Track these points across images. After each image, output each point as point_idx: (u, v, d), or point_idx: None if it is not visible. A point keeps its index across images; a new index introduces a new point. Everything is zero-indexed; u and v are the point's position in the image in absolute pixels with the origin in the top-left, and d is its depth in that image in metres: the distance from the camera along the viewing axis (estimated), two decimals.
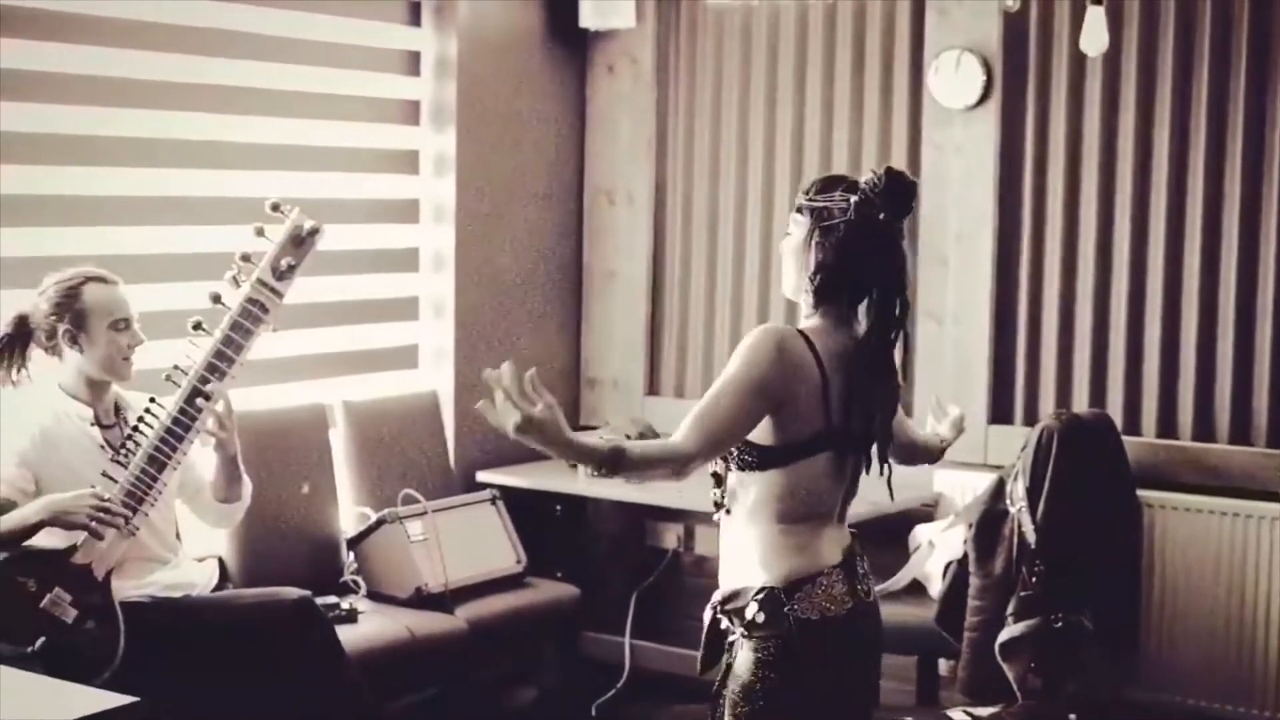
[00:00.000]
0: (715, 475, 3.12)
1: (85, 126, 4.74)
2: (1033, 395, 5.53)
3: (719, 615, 3.10)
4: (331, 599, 4.77)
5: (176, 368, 4.01)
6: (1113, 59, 5.24)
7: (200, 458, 4.29)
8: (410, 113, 5.82)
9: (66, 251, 4.48)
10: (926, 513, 5.50)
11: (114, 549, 3.90)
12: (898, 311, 3.07)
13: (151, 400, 3.99)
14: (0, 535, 3.80)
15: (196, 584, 4.25)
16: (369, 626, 4.75)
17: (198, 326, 4.02)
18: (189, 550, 4.40)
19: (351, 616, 4.75)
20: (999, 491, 4.94)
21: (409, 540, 5.03)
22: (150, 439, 3.95)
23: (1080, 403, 5.38)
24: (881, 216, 3.02)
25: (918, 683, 5.45)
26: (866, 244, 3.03)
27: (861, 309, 3.08)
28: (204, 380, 3.98)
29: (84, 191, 4.75)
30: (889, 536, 5.37)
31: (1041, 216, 5.48)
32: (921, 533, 5.31)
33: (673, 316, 6.21)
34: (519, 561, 5.28)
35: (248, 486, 4.33)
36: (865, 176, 3.06)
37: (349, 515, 5.27)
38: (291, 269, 4.07)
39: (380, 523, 5.07)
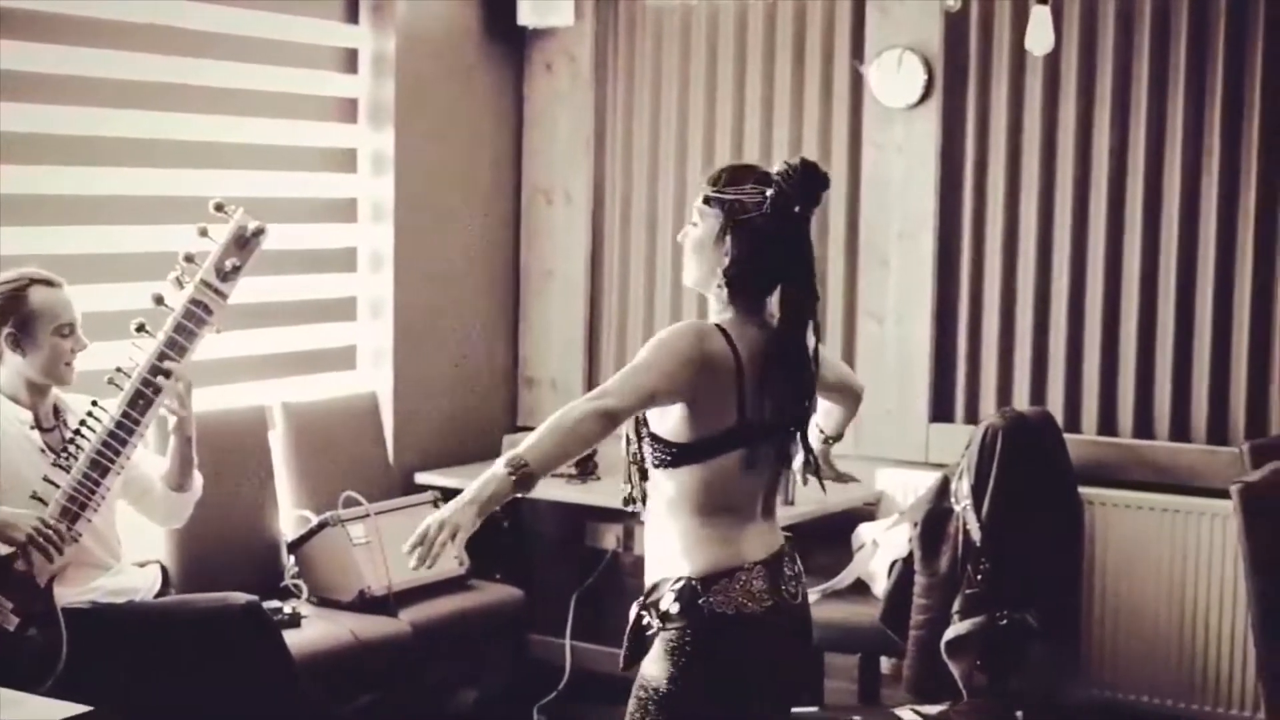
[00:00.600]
0: (626, 500, 3.09)
1: (20, 124, 4.65)
2: (974, 394, 5.55)
3: (642, 611, 3.04)
4: (274, 603, 4.71)
5: (119, 370, 3.94)
6: (1053, 58, 5.27)
7: (142, 458, 4.21)
8: (348, 110, 5.76)
9: (5, 251, 4.40)
10: (868, 511, 5.51)
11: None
12: (810, 301, 3.03)
13: (94, 404, 3.92)
14: None
15: (139, 589, 4.18)
16: (313, 631, 4.70)
17: (141, 328, 3.95)
18: (128, 556, 4.33)
19: (295, 621, 4.69)
20: (944, 490, 4.95)
21: (351, 543, 4.98)
22: (93, 443, 3.88)
23: (1021, 401, 5.41)
24: (796, 209, 2.99)
25: (859, 681, 5.46)
26: (781, 236, 2.99)
27: (770, 300, 3.05)
28: (147, 383, 3.91)
29: (21, 190, 4.66)
30: (832, 535, 5.39)
31: (982, 216, 5.51)
32: (865, 532, 5.32)
33: (611, 316, 6.19)
34: (462, 564, 5.23)
35: (198, 479, 4.27)
36: (776, 167, 3.02)
37: (288, 518, 5.21)
38: (236, 270, 4.01)
39: (322, 525, 5.01)
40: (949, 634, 4.79)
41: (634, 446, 3.04)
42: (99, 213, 4.89)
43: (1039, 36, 4.75)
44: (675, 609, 2.94)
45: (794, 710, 4.79)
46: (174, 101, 5.11)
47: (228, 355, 5.15)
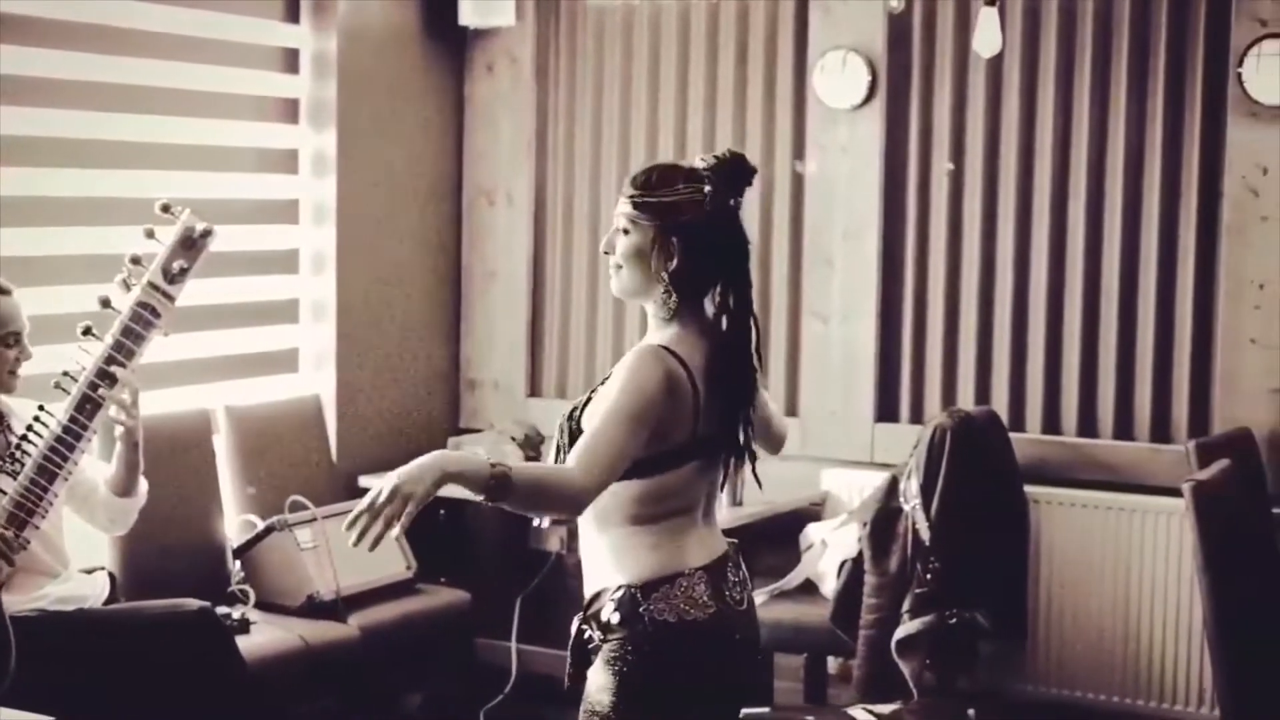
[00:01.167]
0: None
1: None
2: (919, 394, 5.57)
3: (583, 625, 2.95)
4: (221, 609, 4.65)
5: (66, 374, 3.87)
6: (996, 59, 5.29)
7: (86, 463, 4.14)
8: (289, 111, 5.71)
9: None
10: (815, 512, 5.52)
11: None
12: (749, 304, 2.96)
13: (40, 409, 3.85)
14: None
15: (89, 597, 4.12)
16: (262, 636, 4.64)
17: (87, 331, 3.89)
18: (74, 563, 4.26)
19: (243, 627, 4.64)
20: (893, 490, 4.96)
21: (299, 548, 4.93)
22: (40, 449, 3.81)
23: (966, 400, 5.44)
24: (732, 203, 2.93)
25: (805, 681, 5.47)
26: (723, 233, 2.93)
27: (706, 302, 2.97)
28: (94, 387, 3.85)
29: None
30: (780, 536, 5.40)
31: (926, 216, 5.54)
32: (813, 532, 5.32)
33: (554, 317, 6.16)
34: (409, 567, 5.20)
35: (143, 484, 4.20)
36: (703, 163, 2.94)
37: (233, 523, 5.15)
38: (184, 272, 3.95)
39: (269, 530, 4.96)
40: (899, 633, 4.81)
41: (565, 454, 2.93)
42: (37, 214, 4.81)
43: (987, 38, 4.77)
44: (616, 619, 2.86)
45: (744, 712, 4.82)
46: (113, 101, 5.04)
47: (169, 358, 5.08)
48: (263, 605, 4.91)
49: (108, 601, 4.18)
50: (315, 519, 5.02)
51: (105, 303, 3.89)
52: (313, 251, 5.76)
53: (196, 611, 4.06)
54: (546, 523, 2.96)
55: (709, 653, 2.90)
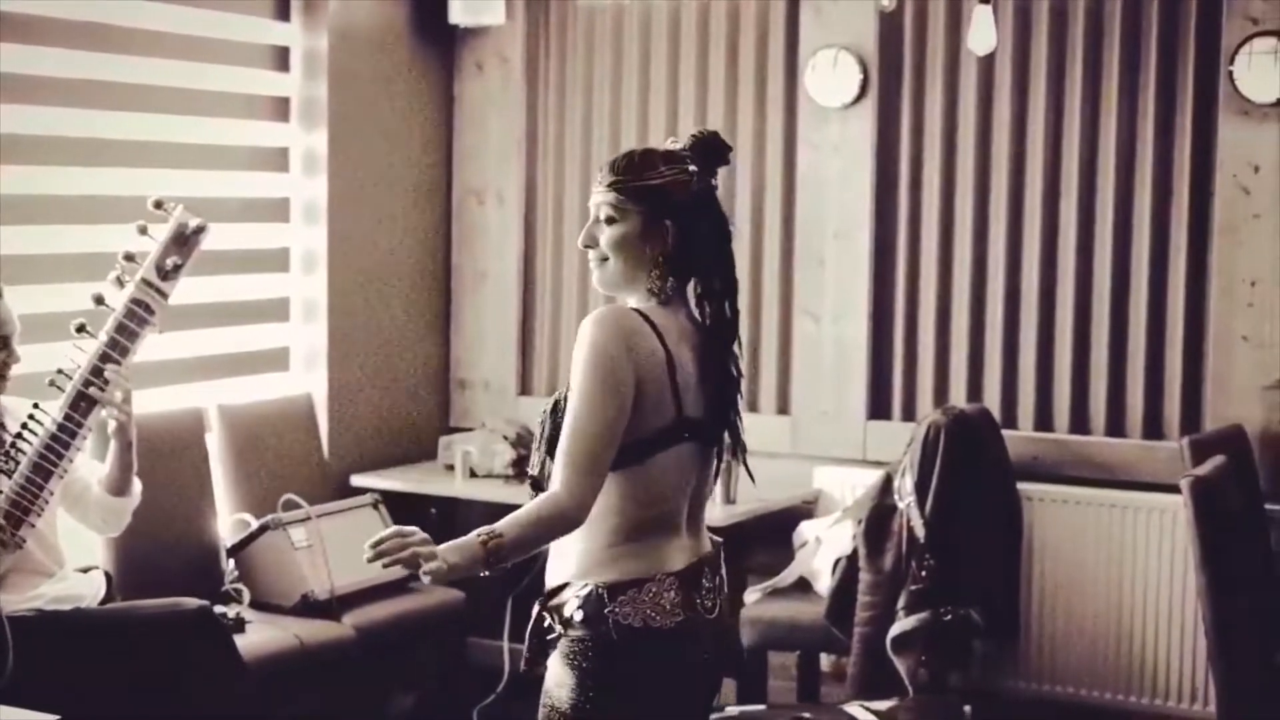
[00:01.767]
0: (533, 482, 2.91)
1: None
2: (911, 391, 5.58)
3: (543, 611, 2.90)
4: (216, 608, 4.63)
5: (60, 372, 3.85)
6: (987, 57, 5.30)
7: (80, 462, 4.12)
8: (280, 109, 5.69)
9: None
10: (807, 510, 5.52)
11: None
12: (734, 291, 2.94)
13: (35, 406, 3.83)
14: None
15: (85, 596, 4.10)
16: (257, 635, 4.63)
17: (81, 329, 3.87)
18: (68, 562, 4.24)
19: (238, 626, 4.62)
20: (887, 487, 4.97)
21: (293, 547, 4.92)
22: (35, 447, 3.79)
23: (958, 398, 5.44)
24: (714, 182, 2.92)
25: (798, 679, 5.47)
26: (709, 214, 2.91)
27: (688, 288, 2.94)
28: (89, 384, 3.83)
29: None
30: (774, 534, 5.40)
31: (918, 214, 5.54)
32: (807, 529, 5.33)
33: (544, 317, 6.16)
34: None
35: (137, 484, 4.18)
36: (680, 143, 2.92)
37: (225, 522, 5.13)
38: (177, 268, 3.94)
39: (263, 529, 4.95)
40: (894, 630, 4.82)
41: (543, 451, 2.90)
42: (29, 212, 4.79)
43: (981, 36, 4.78)
44: (579, 616, 2.81)
45: (740, 709, 4.83)
46: (104, 99, 5.03)
47: (162, 357, 5.07)
48: (257, 604, 4.90)
49: (104, 601, 4.16)
50: (309, 518, 5.01)
51: (99, 300, 3.88)
52: (304, 250, 5.74)
53: (195, 611, 4.04)
54: None
55: (670, 660, 2.85)
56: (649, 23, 5.89)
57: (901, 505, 4.90)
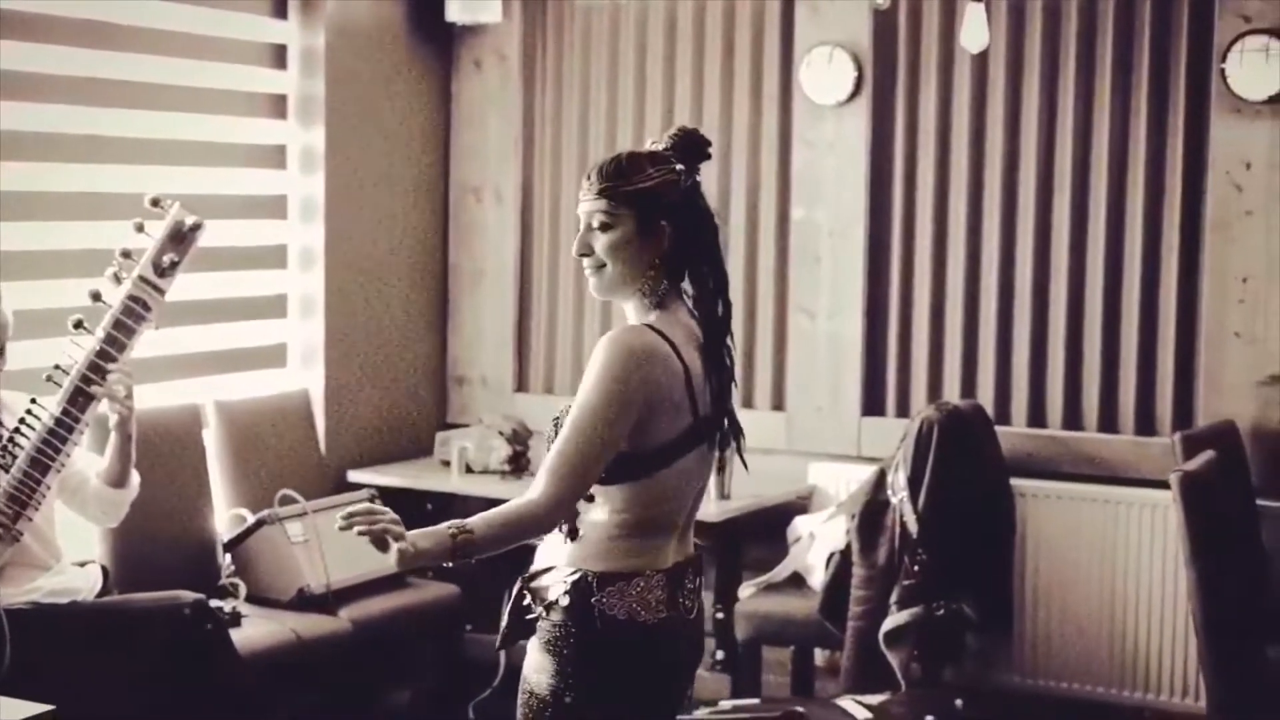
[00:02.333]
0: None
1: None
2: (905, 388, 5.60)
3: (524, 590, 2.90)
4: (213, 602, 4.65)
5: (58, 367, 3.88)
6: (981, 55, 5.33)
7: (77, 455, 4.15)
8: (277, 106, 5.72)
9: None
10: (802, 505, 5.55)
11: None
12: (725, 284, 2.96)
13: (33, 401, 3.86)
14: None
15: (81, 590, 4.13)
16: (254, 630, 4.66)
17: (79, 325, 3.90)
18: (65, 556, 4.27)
19: (235, 620, 4.65)
20: (880, 482, 5.00)
21: (290, 541, 4.95)
22: (32, 441, 3.82)
23: (952, 394, 5.47)
24: (698, 178, 2.94)
25: (793, 674, 5.50)
26: (697, 211, 2.92)
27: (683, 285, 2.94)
28: (86, 380, 3.86)
29: None
30: (767, 530, 5.43)
31: (912, 212, 5.56)
32: (801, 525, 5.35)
33: (541, 314, 6.18)
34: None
35: (135, 477, 4.21)
36: (658, 145, 2.94)
37: (222, 517, 5.16)
38: (174, 265, 3.97)
39: (260, 524, 4.97)
40: (887, 625, 4.84)
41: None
42: (27, 209, 4.82)
43: (974, 33, 4.79)
44: (565, 601, 2.82)
45: (733, 703, 4.86)
46: (102, 96, 5.05)
47: (159, 353, 5.10)
48: (253, 599, 4.92)
49: (100, 594, 4.19)
50: (305, 513, 5.04)
51: (96, 296, 3.91)
52: (301, 247, 5.77)
53: (191, 604, 4.07)
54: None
55: (649, 656, 2.87)
56: (645, 20, 5.92)
57: (894, 500, 4.92)
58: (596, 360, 2.81)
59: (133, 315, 3.91)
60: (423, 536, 2.76)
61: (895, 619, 4.83)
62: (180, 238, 3.98)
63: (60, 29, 4.91)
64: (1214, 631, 4.09)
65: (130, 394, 3.95)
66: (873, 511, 4.96)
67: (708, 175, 5.71)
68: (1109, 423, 5.33)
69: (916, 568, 4.83)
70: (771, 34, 5.72)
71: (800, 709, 4.55)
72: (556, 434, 2.85)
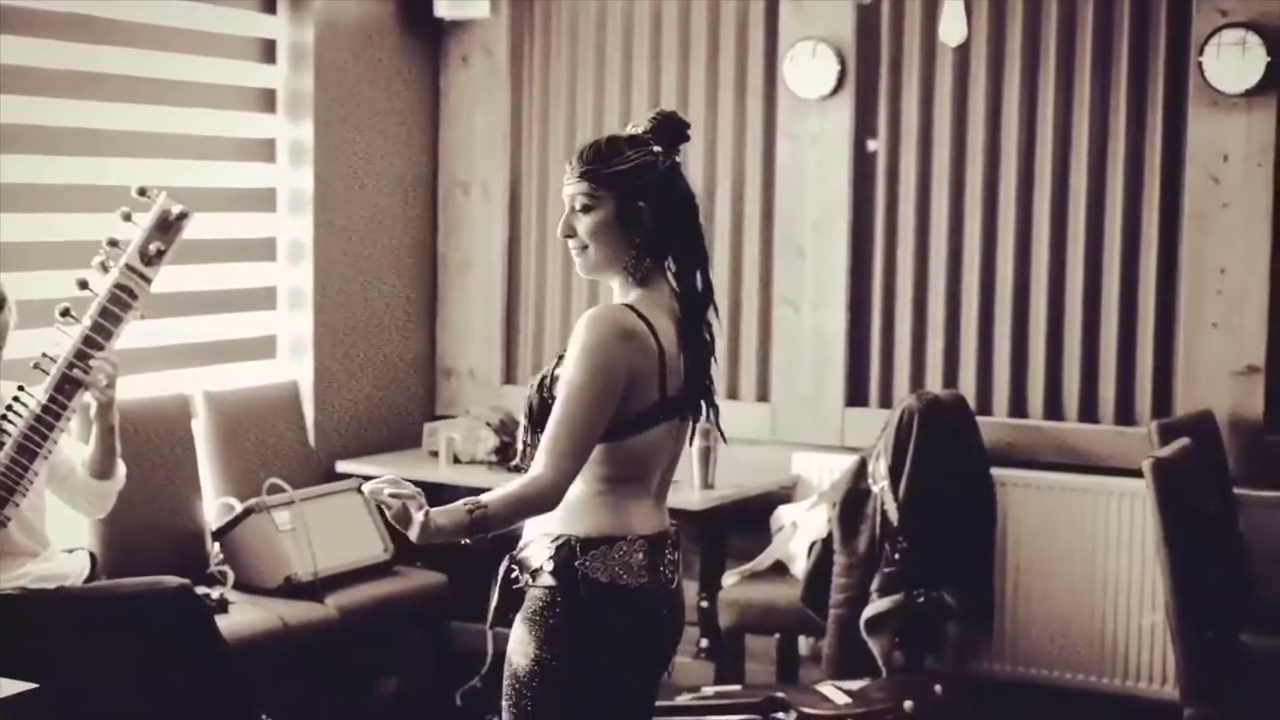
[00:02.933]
0: (516, 469, 2.99)
1: None
2: (888, 379, 5.65)
3: (513, 564, 2.97)
4: (201, 589, 4.71)
5: (45, 355, 3.92)
6: (962, 50, 5.39)
7: (66, 444, 4.19)
8: (266, 101, 5.77)
9: None
10: (786, 494, 5.60)
11: None
12: (706, 266, 3.04)
13: (20, 389, 3.91)
14: None
15: (69, 575, 4.17)
16: (241, 616, 4.71)
17: (66, 313, 3.94)
18: (55, 543, 4.31)
19: (222, 607, 4.70)
20: (861, 471, 5.04)
21: (277, 530, 5.00)
22: (19, 429, 3.86)
23: (934, 385, 5.52)
24: (678, 159, 3.00)
25: (778, 662, 5.54)
26: (678, 191, 3.00)
27: (665, 265, 3.01)
28: (73, 367, 3.91)
29: None
30: (751, 518, 5.47)
31: (895, 204, 5.62)
32: (784, 514, 5.40)
33: (529, 308, 6.23)
34: (386, 550, 5.27)
35: (121, 467, 4.25)
36: (637, 128, 3.01)
37: (211, 506, 5.21)
38: (160, 254, 4.01)
39: (248, 513, 5.02)
40: (868, 612, 4.89)
41: (529, 426, 2.98)
42: (15, 200, 4.87)
43: (952, 27, 4.85)
44: (549, 566, 2.88)
45: (716, 689, 4.90)
46: (92, 90, 5.10)
47: (149, 344, 5.15)
48: (241, 586, 4.97)
49: (88, 580, 4.23)
50: (293, 501, 5.09)
51: (83, 285, 3.94)
52: (290, 240, 5.82)
53: (176, 588, 4.11)
54: None
55: (633, 619, 2.93)
56: (631, 16, 5.97)
57: (875, 489, 4.97)
58: (579, 337, 2.89)
59: (119, 303, 3.95)
60: (442, 513, 2.84)
61: (876, 606, 4.88)
62: (167, 227, 4.01)
63: (52, 23, 4.96)
64: (1186, 617, 4.13)
65: (112, 383, 3.97)
66: (854, 500, 5.01)
67: (693, 168, 5.84)
68: (1089, 413, 5.38)
69: (897, 555, 4.88)
70: (756, 29, 5.77)
71: (780, 694, 4.59)
72: (538, 402, 2.95)
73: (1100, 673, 5.28)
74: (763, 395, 5.82)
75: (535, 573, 2.92)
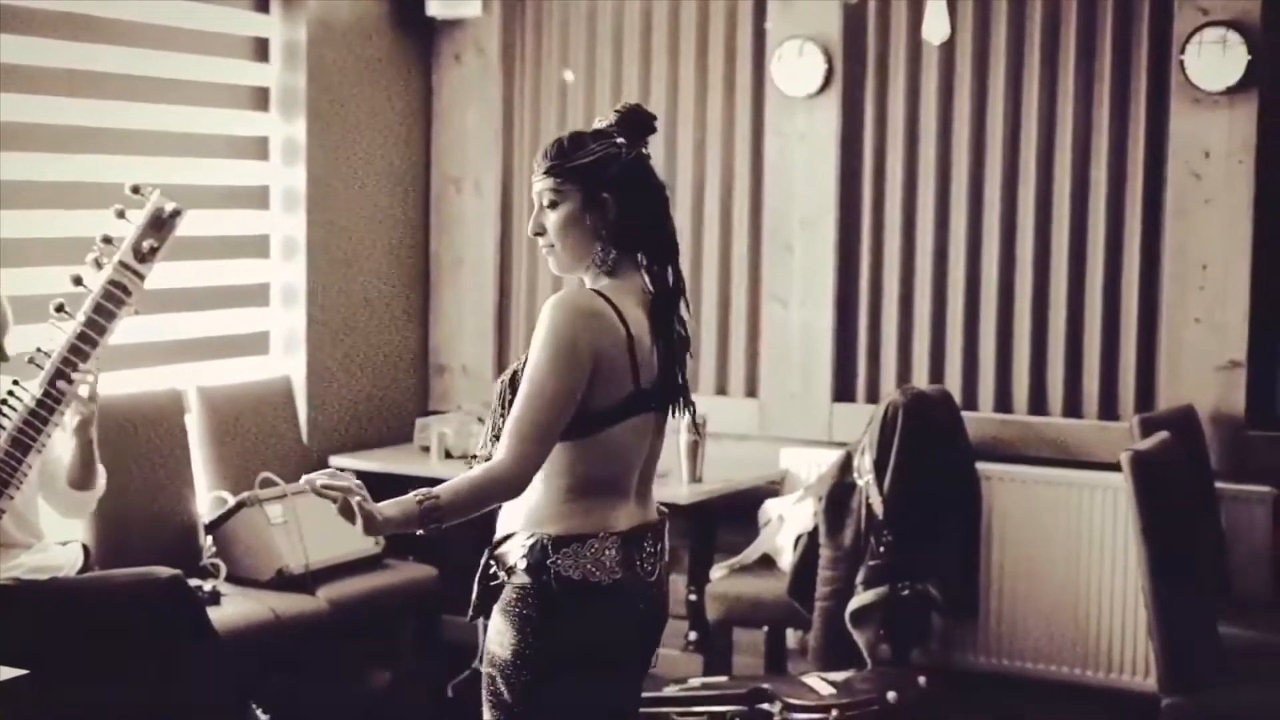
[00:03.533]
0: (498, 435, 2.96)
1: None
2: (875, 374, 5.71)
3: (490, 559, 2.99)
4: (194, 582, 4.75)
5: (39, 350, 3.97)
6: (948, 48, 5.45)
7: (59, 444, 4.25)
8: (259, 99, 5.82)
9: None
10: (773, 489, 5.65)
11: None
12: (675, 257, 3.04)
13: (15, 383, 3.96)
14: None
15: (62, 567, 4.22)
16: (233, 608, 4.76)
17: (60, 309, 3.98)
18: (48, 536, 4.36)
19: (214, 599, 4.75)
20: (847, 465, 5.09)
21: (269, 523, 5.05)
22: (14, 422, 3.91)
23: (921, 381, 5.57)
24: (645, 151, 3.02)
25: (765, 655, 5.60)
26: (644, 182, 3.01)
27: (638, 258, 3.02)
28: (67, 362, 3.95)
29: None
30: (739, 512, 5.52)
31: (882, 202, 5.67)
32: (771, 507, 5.45)
33: (520, 304, 6.29)
34: (378, 543, 5.31)
35: (102, 475, 4.28)
36: (604, 122, 3.03)
37: (204, 499, 5.26)
38: (154, 251, 4.05)
39: (240, 506, 5.07)
40: (853, 604, 4.94)
41: (500, 415, 2.97)
42: (11, 197, 4.91)
43: (935, 26, 4.90)
44: (522, 564, 2.90)
45: (702, 680, 4.95)
46: (87, 88, 5.16)
47: (142, 340, 5.20)
48: (234, 579, 5.01)
49: (81, 572, 4.28)
50: (285, 495, 5.13)
51: (78, 281, 3.98)
52: (283, 237, 5.88)
53: (168, 580, 4.15)
54: None
55: (607, 615, 2.94)
56: (621, 15, 6.03)
57: (861, 483, 5.02)
58: (543, 322, 2.90)
59: (113, 299, 3.99)
60: (390, 505, 2.85)
61: (861, 598, 4.93)
62: (160, 224, 4.05)
63: (46, 22, 5.01)
64: (1163, 607, 4.18)
65: (93, 397, 4.02)
66: (839, 494, 5.06)
67: (682, 166, 5.89)
68: (1073, 407, 5.44)
69: (882, 549, 4.93)
70: (744, 28, 5.83)
71: (766, 685, 4.65)
72: (510, 393, 2.94)
73: (1083, 665, 5.34)
74: (751, 391, 5.88)
75: (510, 570, 2.94)
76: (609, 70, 6.04)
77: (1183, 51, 5.14)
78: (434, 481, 5.60)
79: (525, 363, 2.94)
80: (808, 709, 4.51)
